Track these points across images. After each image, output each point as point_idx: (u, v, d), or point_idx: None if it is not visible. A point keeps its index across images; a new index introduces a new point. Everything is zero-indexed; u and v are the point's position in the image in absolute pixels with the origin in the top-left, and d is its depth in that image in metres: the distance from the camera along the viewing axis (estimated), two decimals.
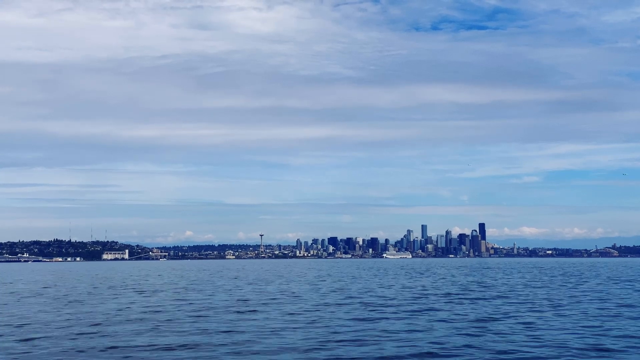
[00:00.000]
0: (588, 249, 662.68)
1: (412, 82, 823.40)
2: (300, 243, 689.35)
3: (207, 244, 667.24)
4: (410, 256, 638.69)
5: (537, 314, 40.83)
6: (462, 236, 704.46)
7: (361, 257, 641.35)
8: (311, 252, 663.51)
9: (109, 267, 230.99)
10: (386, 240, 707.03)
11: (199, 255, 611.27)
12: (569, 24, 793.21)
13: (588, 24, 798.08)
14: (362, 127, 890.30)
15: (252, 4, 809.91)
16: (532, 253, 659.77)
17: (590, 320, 37.64)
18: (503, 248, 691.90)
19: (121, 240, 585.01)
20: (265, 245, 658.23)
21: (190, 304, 50.33)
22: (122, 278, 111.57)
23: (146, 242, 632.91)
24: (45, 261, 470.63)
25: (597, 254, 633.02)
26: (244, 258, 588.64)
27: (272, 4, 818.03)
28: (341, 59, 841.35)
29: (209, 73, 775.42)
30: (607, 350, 27.81)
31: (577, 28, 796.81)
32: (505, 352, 27.28)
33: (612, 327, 34.45)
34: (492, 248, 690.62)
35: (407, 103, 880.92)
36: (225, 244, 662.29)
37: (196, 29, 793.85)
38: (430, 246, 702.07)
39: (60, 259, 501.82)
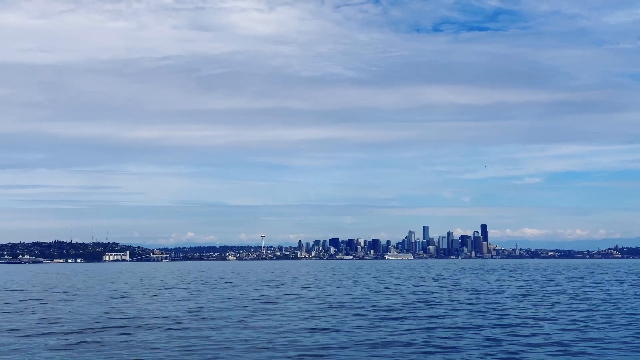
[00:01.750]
0: (590, 250, 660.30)
1: (413, 83, 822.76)
2: (302, 244, 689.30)
3: (209, 245, 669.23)
4: (412, 257, 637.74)
5: None
6: (463, 237, 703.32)
7: (362, 258, 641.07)
8: (312, 254, 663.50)
9: (97, 269, 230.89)
10: (388, 241, 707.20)
11: (200, 256, 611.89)
12: (570, 25, 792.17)
13: (589, 25, 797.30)
14: (363, 128, 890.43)
15: (253, 5, 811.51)
16: (534, 254, 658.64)
17: None
18: (505, 249, 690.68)
19: (123, 241, 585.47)
20: (267, 247, 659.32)
21: None
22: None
23: (148, 243, 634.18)
24: (46, 262, 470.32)
25: (600, 255, 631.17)
26: (245, 259, 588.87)
27: (274, 5, 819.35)
28: (343, 60, 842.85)
29: (210, 74, 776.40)
30: None
31: (578, 29, 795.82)
32: None
33: None
34: (494, 249, 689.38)
35: (408, 104, 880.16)
36: (227, 245, 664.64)
37: (198, 30, 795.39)
38: (432, 247, 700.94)
39: (61, 260, 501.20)
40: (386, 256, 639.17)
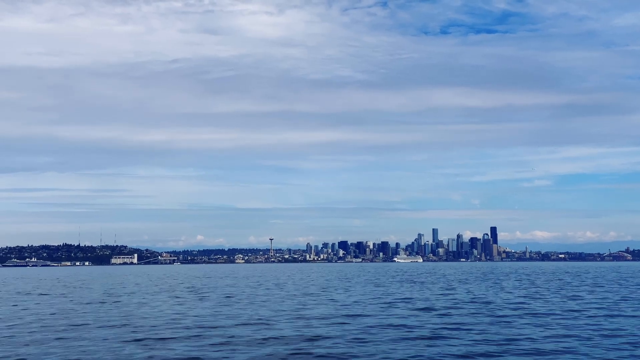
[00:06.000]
0: (601, 252, 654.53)
1: (422, 86, 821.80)
2: (311, 247, 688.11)
3: (218, 248, 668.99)
4: (421, 260, 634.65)
5: None
6: (473, 240, 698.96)
7: (371, 261, 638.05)
8: (321, 256, 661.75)
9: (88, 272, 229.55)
10: (397, 244, 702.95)
11: (209, 259, 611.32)
12: (579, 27, 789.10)
13: (598, 27, 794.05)
14: (372, 130, 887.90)
15: (262, 8, 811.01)
16: (545, 257, 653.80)
17: None
18: (515, 252, 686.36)
19: (132, 244, 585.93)
20: (276, 250, 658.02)
21: None
22: None
23: (157, 246, 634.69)
24: (54, 266, 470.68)
25: (611, 258, 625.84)
26: (253, 262, 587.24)
27: (282, 8, 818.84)
28: (351, 63, 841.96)
29: (219, 77, 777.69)
30: None
31: (586, 31, 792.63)
32: None
33: None
34: (504, 252, 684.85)
35: (417, 107, 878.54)
36: (236, 248, 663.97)
37: (206, 33, 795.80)
38: (441, 250, 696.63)
39: (68, 264, 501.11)
40: (395, 259, 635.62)
